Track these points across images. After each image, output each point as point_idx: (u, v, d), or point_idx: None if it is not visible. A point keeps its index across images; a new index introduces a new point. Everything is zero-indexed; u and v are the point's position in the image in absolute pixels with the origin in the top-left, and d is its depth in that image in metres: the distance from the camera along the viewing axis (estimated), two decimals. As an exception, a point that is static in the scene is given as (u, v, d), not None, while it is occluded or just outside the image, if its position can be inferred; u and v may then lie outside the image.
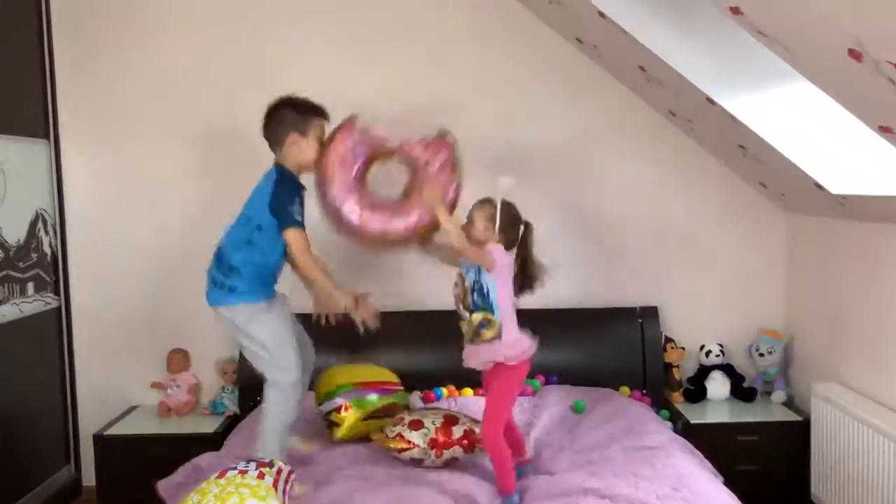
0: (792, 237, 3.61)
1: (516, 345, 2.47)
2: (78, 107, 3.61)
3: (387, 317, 3.52)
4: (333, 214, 2.52)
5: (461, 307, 2.52)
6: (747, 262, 3.66)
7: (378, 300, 3.55)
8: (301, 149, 2.48)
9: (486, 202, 2.54)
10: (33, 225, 3.41)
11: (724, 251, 3.67)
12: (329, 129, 2.59)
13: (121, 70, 3.59)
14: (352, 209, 2.49)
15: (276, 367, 2.51)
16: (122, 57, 3.59)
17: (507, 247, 2.53)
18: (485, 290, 2.46)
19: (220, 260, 2.53)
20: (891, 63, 1.79)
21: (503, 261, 2.49)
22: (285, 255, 2.55)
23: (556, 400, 3.24)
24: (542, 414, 3.13)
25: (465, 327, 2.52)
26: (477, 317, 2.47)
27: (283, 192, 2.41)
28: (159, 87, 3.60)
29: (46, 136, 3.54)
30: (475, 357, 2.51)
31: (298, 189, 2.48)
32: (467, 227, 2.52)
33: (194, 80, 3.59)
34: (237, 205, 3.60)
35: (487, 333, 2.45)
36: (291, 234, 2.42)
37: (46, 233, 3.51)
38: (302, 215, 2.44)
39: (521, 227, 2.57)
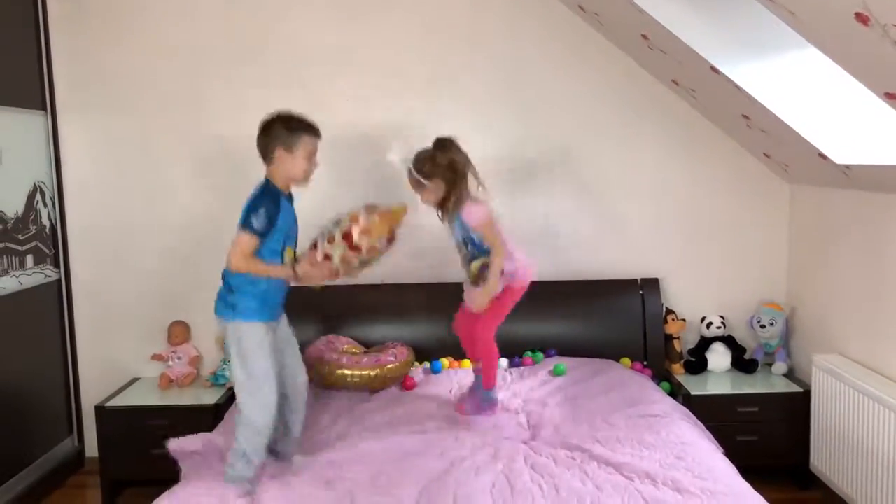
0: (795, 208, 3.58)
1: (514, 261, 2.72)
2: (75, 78, 3.57)
3: (386, 289, 3.56)
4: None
5: (462, 263, 2.80)
6: (749, 233, 3.65)
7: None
8: (288, 165, 2.49)
9: (412, 179, 2.71)
10: (31, 197, 3.39)
11: (727, 222, 3.65)
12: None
13: (118, 40, 3.55)
14: None
15: (252, 402, 2.42)
16: (119, 27, 3.54)
17: (455, 186, 2.67)
18: (476, 240, 2.70)
19: (223, 275, 2.52)
20: (898, 27, 1.75)
21: (477, 214, 2.66)
22: None
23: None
24: (541, 385, 3.14)
25: (469, 276, 2.77)
26: (476, 265, 2.72)
27: (255, 202, 2.43)
28: (157, 58, 3.56)
29: (43, 108, 3.51)
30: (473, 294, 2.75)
31: (273, 201, 2.45)
32: (429, 197, 2.71)
33: (193, 51, 3.55)
34: (234, 176, 3.63)
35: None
36: (238, 236, 2.40)
37: (45, 205, 3.49)
38: (265, 226, 2.41)
39: (449, 158, 2.66)
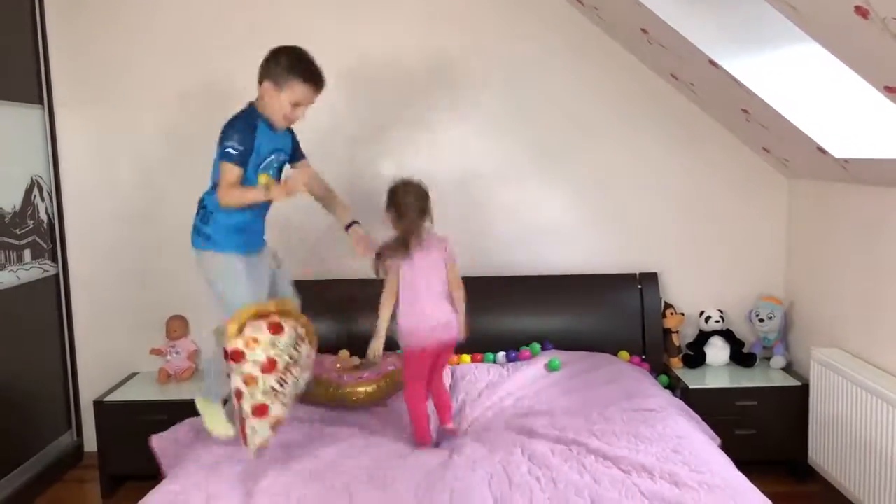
0: (793, 203, 3.58)
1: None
2: (72, 72, 3.56)
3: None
4: None
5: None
6: (748, 227, 3.65)
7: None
8: (271, 100, 2.44)
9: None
10: (29, 191, 3.38)
11: (725, 217, 3.65)
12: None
13: (116, 34, 3.54)
14: None
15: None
16: (116, 20, 3.53)
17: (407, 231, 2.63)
18: None
19: (200, 203, 2.52)
20: (898, 20, 1.75)
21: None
22: (268, 203, 2.52)
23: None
24: (538, 378, 3.15)
25: None
26: None
27: (226, 129, 2.39)
28: (154, 51, 3.55)
29: (40, 102, 3.50)
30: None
31: (248, 125, 2.40)
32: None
33: (190, 44, 3.54)
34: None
35: None
36: (221, 167, 2.37)
37: (42, 200, 3.49)
38: (241, 151, 2.36)
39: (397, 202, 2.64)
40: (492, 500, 2.16)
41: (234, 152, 2.34)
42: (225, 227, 2.45)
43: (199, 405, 2.61)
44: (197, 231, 2.50)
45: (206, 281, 2.49)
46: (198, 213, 2.51)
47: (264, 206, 2.56)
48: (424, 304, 2.60)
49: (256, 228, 2.58)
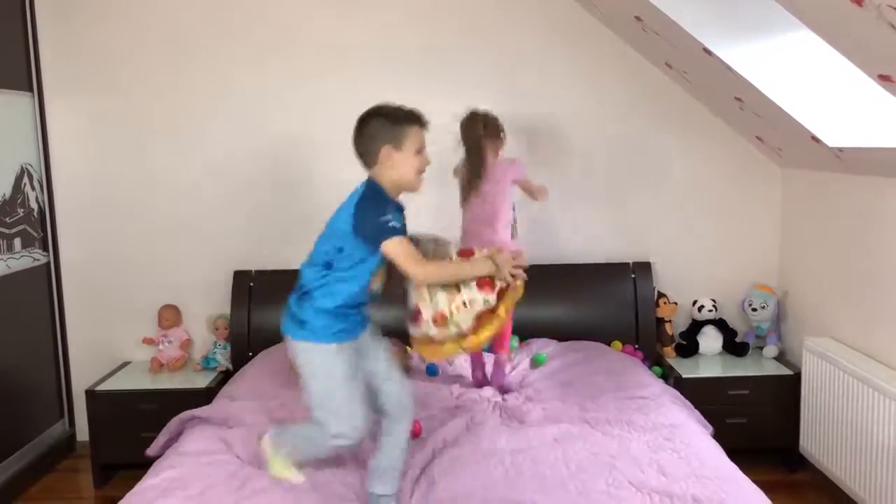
0: (787, 192, 3.58)
1: None
2: (62, 58, 3.53)
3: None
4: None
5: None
6: (742, 217, 3.64)
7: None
8: (395, 163, 2.11)
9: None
10: (19, 179, 3.36)
11: (719, 206, 3.65)
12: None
13: (106, 20, 3.50)
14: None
15: (329, 426, 2.10)
16: (107, 7, 3.50)
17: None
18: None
19: (300, 284, 2.18)
20: (892, 7, 1.74)
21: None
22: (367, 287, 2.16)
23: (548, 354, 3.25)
24: (532, 368, 3.14)
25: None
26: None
27: (370, 206, 2.06)
28: (145, 38, 3.52)
29: (30, 89, 3.46)
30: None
31: (389, 203, 2.10)
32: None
33: (181, 31, 3.51)
34: (224, 159, 3.61)
35: None
36: (391, 245, 2.02)
37: (33, 188, 3.46)
38: (402, 224, 2.09)
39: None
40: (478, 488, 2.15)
41: (398, 226, 2.05)
42: (333, 311, 2.11)
43: (269, 451, 2.20)
44: (291, 315, 2.15)
45: (301, 370, 2.16)
46: (295, 293, 2.18)
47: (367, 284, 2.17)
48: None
49: (363, 310, 2.23)
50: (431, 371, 3.15)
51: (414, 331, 2.20)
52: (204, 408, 2.74)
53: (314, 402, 2.11)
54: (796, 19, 2.16)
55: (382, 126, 2.11)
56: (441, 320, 2.10)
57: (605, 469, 2.22)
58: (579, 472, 2.21)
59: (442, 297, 2.10)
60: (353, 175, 3.58)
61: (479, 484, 2.17)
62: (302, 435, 2.18)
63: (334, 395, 2.09)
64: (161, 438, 2.70)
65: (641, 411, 2.62)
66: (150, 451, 2.67)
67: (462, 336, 2.12)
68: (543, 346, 3.33)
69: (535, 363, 3.16)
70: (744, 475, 2.20)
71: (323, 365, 2.10)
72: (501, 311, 2.13)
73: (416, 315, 2.16)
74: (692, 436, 2.44)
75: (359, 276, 2.10)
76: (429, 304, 2.12)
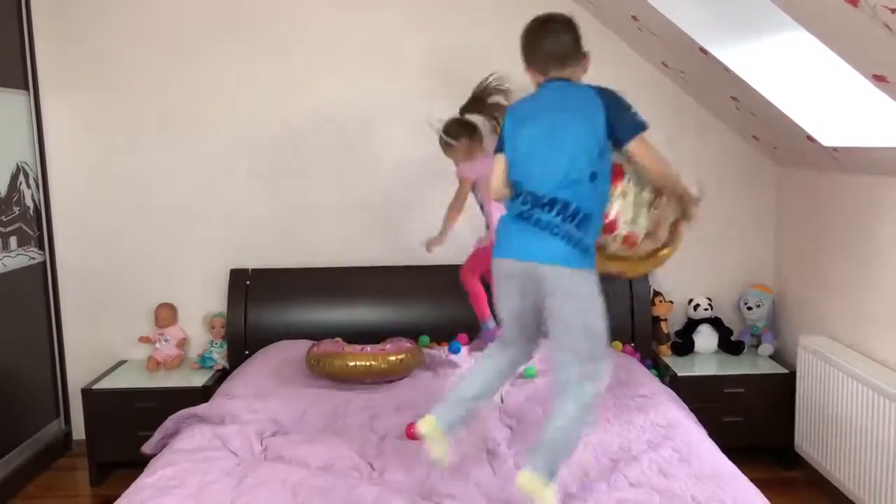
0: (782, 191, 3.59)
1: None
2: (58, 57, 3.51)
3: (394, 270, 3.55)
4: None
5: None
6: (737, 216, 3.65)
7: (382, 256, 3.58)
8: (585, 72, 2.20)
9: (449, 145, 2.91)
10: (14, 178, 3.35)
11: (715, 205, 3.64)
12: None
13: (102, 19, 3.49)
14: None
15: (592, 365, 2.00)
16: (103, 5, 3.48)
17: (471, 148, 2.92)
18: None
19: (569, 208, 1.97)
20: (887, 8, 1.75)
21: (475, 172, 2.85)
22: None
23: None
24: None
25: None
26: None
27: (619, 99, 2.08)
28: (142, 37, 3.51)
29: (25, 87, 3.45)
30: None
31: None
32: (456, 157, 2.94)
33: (177, 28, 3.50)
34: (222, 157, 3.60)
35: None
36: (642, 141, 2.05)
37: (28, 186, 3.45)
38: None
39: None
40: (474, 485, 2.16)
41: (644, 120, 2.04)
42: (596, 231, 2.02)
43: (535, 485, 1.92)
44: (575, 243, 1.97)
45: (573, 307, 2.00)
46: (568, 218, 1.98)
47: None
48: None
49: None
50: (455, 349, 3.30)
51: (611, 242, 2.10)
52: (202, 406, 2.73)
53: (596, 342, 2.00)
54: (792, 19, 2.17)
55: (581, 37, 2.16)
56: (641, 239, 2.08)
57: (605, 469, 2.23)
58: (580, 473, 2.22)
59: (643, 218, 2.07)
60: (352, 172, 3.59)
61: (476, 482, 2.18)
62: (562, 430, 1.96)
63: (602, 316, 2.03)
64: (157, 435, 2.69)
65: (641, 410, 2.63)
66: (146, 448, 2.66)
67: (657, 250, 2.13)
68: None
69: (526, 376, 3.03)
70: (743, 475, 2.21)
71: (599, 293, 2.03)
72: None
73: (611, 225, 2.07)
74: (691, 435, 2.45)
75: (607, 181, 2.06)
76: (629, 222, 2.07)
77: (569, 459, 2.03)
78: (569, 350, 2.01)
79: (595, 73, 3.54)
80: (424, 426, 2.09)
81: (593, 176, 2.01)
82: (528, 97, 2.22)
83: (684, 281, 3.66)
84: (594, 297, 2.03)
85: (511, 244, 2.07)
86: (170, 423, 2.69)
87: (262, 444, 2.46)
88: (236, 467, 2.29)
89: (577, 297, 2.00)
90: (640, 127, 2.05)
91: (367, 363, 2.92)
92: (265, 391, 2.88)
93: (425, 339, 3.42)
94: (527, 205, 2.04)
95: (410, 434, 2.44)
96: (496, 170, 2.18)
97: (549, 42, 2.14)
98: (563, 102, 2.10)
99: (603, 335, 2.04)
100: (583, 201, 1.99)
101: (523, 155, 2.11)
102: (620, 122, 2.03)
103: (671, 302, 3.60)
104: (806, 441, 3.08)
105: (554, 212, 1.99)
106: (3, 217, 3.26)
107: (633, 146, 2.04)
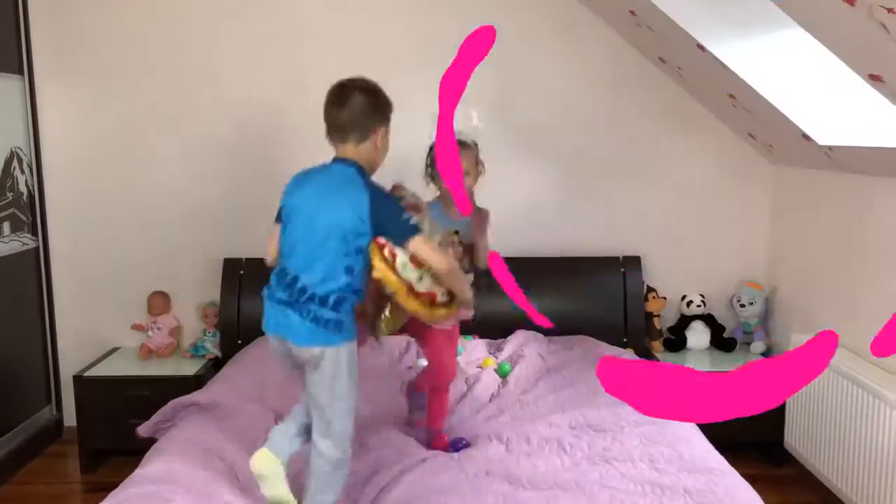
0: (777, 189, 3.60)
1: None
2: (54, 41, 3.50)
3: None
4: None
5: (464, 264, 2.34)
6: (732, 213, 3.66)
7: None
8: (382, 145, 2.05)
9: (467, 145, 2.43)
10: (8, 163, 3.33)
11: (709, 202, 3.66)
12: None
13: (98, 2, 3.47)
14: None
15: (333, 430, 1.98)
16: (98, -10, 3.47)
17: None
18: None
19: (309, 291, 1.94)
20: (884, 8, 1.75)
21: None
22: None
23: (533, 349, 3.24)
24: (520, 361, 3.14)
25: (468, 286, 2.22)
26: (470, 277, 2.31)
27: (388, 202, 1.99)
28: (139, 22, 3.49)
29: (20, 72, 3.44)
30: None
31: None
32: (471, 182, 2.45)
33: (174, 15, 3.49)
34: (216, 145, 3.59)
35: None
36: (419, 243, 1.94)
37: (22, 171, 3.44)
38: None
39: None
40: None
41: (415, 222, 1.98)
42: (352, 308, 2.00)
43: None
44: (322, 322, 1.93)
45: (329, 378, 1.96)
46: (313, 300, 1.94)
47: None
48: None
49: None
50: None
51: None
52: (202, 394, 2.73)
53: (345, 412, 1.98)
54: (789, 17, 2.17)
55: (380, 104, 2.02)
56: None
57: (598, 462, 2.24)
58: (573, 465, 2.23)
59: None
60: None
61: (466, 479, 2.19)
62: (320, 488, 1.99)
63: (353, 390, 2.00)
64: (154, 419, 2.67)
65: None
66: (141, 429, 2.65)
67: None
68: (531, 340, 3.31)
69: (500, 374, 3.03)
70: (732, 468, 2.22)
71: (354, 365, 2.00)
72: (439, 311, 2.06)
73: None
74: (683, 430, 2.46)
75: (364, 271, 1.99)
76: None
77: None
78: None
79: (591, 69, 3.58)
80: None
81: (349, 270, 1.95)
82: (310, 169, 2.11)
83: (678, 277, 3.67)
84: (350, 372, 1.98)
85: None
86: (168, 408, 2.68)
87: (263, 434, 2.46)
88: (236, 457, 2.29)
89: (339, 373, 1.97)
90: (410, 231, 1.95)
91: None
92: (265, 380, 2.87)
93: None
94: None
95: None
96: (270, 240, 2.11)
97: (333, 111, 2.01)
98: (332, 188, 1.99)
99: (349, 413, 2.00)
100: (339, 289, 1.94)
101: (284, 228, 2.06)
102: (387, 224, 1.94)
103: (664, 298, 3.61)
104: (795, 438, 3.10)
105: (306, 297, 1.94)
106: (-4, 202, 3.25)
107: (413, 246, 1.95)
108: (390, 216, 1.95)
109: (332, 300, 1.93)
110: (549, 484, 2.13)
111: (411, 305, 1.99)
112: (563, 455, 2.31)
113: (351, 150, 2.01)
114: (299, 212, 2.01)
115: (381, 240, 1.96)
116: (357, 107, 1.99)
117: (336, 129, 2.02)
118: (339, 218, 1.94)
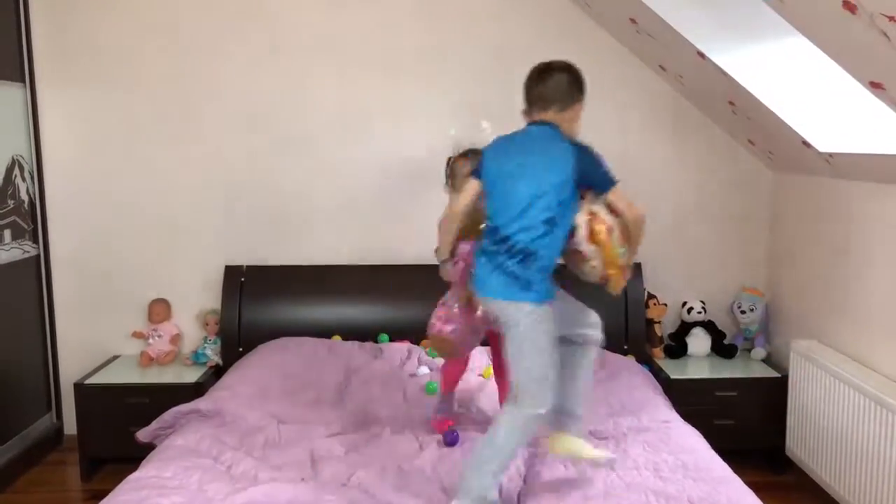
0: (777, 196, 3.61)
1: None
2: (55, 49, 3.50)
3: (388, 269, 3.55)
4: None
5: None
6: (732, 220, 3.67)
7: (376, 254, 3.57)
8: (577, 118, 2.23)
9: (474, 153, 2.47)
10: (9, 171, 3.33)
11: (710, 209, 3.67)
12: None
13: (100, 11, 3.48)
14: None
15: (528, 391, 2.07)
16: (99, -2, 3.48)
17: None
18: None
19: (515, 247, 2.08)
20: (885, 16, 1.76)
21: None
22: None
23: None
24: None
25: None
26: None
27: (592, 154, 2.13)
28: (139, 30, 3.50)
29: (22, 80, 3.44)
30: None
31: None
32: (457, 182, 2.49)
33: (174, 22, 3.49)
34: (216, 152, 3.59)
35: None
36: (619, 191, 2.11)
37: (24, 179, 3.44)
38: None
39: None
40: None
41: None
42: (551, 267, 2.14)
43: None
44: (514, 277, 2.08)
45: (516, 335, 2.09)
46: (510, 255, 2.08)
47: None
48: None
49: None
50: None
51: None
52: (203, 401, 2.73)
53: (533, 372, 2.06)
54: (790, 25, 2.18)
55: (581, 84, 2.20)
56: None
57: (602, 471, 2.24)
58: (577, 473, 2.23)
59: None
60: (347, 170, 3.59)
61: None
62: (483, 458, 2.05)
63: (551, 358, 2.09)
64: (154, 425, 2.68)
65: (636, 415, 2.63)
66: (141, 434, 2.67)
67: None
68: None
69: (427, 392, 2.92)
70: (737, 477, 2.22)
71: (548, 330, 2.09)
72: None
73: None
74: (687, 438, 2.46)
75: (567, 227, 2.12)
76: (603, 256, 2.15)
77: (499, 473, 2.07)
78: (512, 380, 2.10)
79: (591, 75, 3.55)
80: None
81: (550, 221, 2.09)
82: (511, 134, 2.26)
83: (678, 284, 3.67)
84: (536, 335, 2.08)
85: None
86: (168, 416, 2.68)
87: (263, 442, 2.46)
88: (234, 464, 2.29)
89: (521, 331, 2.09)
90: (613, 180, 2.13)
91: None
92: (266, 388, 2.87)
93: (385, 336, 3.42)
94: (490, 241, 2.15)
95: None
96: (466, 192, 2.23)
97: (538, 86, 2.21)
98: (533, 146, 2.16)
99: (543, 374, 2.08)
100: (532, 242, 2.08)
101: (490, 190, 2.20)
102: (594, 172, 2.12)
103: (665, 304, 3.61)
104: (797, 445, 3.10)
105: (504, 249, 2.10)
106: (-3, 210, 3.25)
107: (611, 196, 2.13)
108: (593, 166, 2.11)
109: (527, 258, 2.07)
110: (554, 491, 2.13)
111: (615, 276, 2.18)
112: (567, 462, 2.31)
113: (551, 115, 2.18)
114: (505, 173, 2.15)
115: (594, 208, 2.11)
116: (561, 82, 2.18)
117: (539, 99, 2.20)
118: (545, 174, 2.09)
